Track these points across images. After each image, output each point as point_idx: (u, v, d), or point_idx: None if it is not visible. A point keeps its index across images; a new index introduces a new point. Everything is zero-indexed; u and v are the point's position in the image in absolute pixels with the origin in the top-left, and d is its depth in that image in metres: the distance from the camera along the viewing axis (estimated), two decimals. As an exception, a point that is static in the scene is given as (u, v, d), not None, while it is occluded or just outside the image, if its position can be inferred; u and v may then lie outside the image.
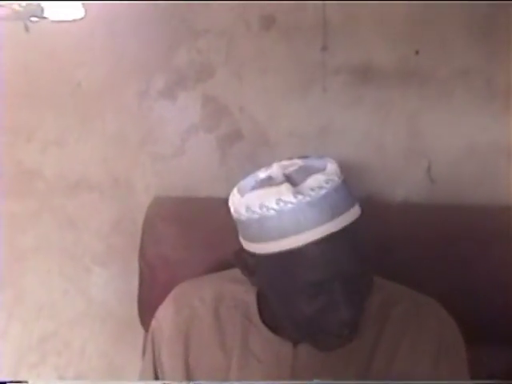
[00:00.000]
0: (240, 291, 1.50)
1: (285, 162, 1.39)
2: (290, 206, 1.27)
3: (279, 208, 1.28)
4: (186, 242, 1.79)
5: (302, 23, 1.85)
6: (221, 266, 1.66)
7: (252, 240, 1.34)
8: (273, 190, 1.30)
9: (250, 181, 1.39)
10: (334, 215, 1.28)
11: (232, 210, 1.39)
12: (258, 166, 1.87)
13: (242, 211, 1.34)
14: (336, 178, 1.31)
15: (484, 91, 1.83)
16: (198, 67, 1.91)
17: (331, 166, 1.34)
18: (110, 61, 1.93)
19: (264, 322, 1.47)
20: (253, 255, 1.35)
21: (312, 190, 1.28)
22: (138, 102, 1.95)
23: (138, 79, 1.94)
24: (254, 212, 1.31)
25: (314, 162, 1.36)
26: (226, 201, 1.85)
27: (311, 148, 1.89)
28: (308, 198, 1.27)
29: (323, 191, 1.28)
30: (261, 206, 1.30)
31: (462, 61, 1.83)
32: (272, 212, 1.28)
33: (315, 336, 1.37)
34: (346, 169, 1.37)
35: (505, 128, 1.84)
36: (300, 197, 1.27)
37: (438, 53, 1.83)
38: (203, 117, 1.93)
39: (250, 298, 1.49)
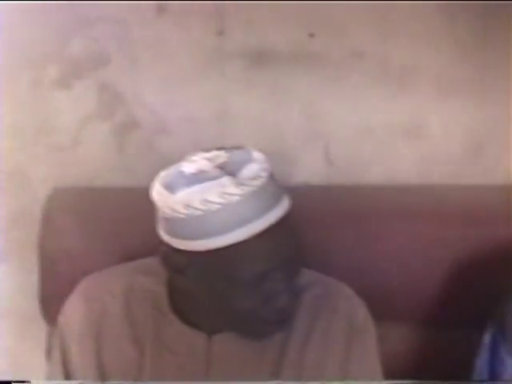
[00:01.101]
0: (150, 282, 1.47)
1: (206, 155, 1.33)
2: (235, 198, 1.23)
3: (224, 201, 1.23)
4: (86, 233, 1.77)
5: (197, 8, 1.84)
6: (123, 256, 1.65)
7: (188, 238, 1.27)
8: (213, 183, 1.24)
9: (175, 176, 1.30)
10: (274, 204, 1.27)
11: (165, 209, 1.29)
12: (157, 154, 1.90)
13: (180, 209, 1.25)
14: (268, 166, 1.30)
15: (379, 73, 1.86)
16: (92, 55, 1.89)
17: (258, 155, 1.32)
18: (2, 51, 1.88)
19: (176, 312, 1.44)
20: (184, 253, 1.30)
21: (253, 179, 1.25)
22: (32, 92, 1.91)
23: (31, 69, 1.90)
24: (195, 209, 1.24)
25: (237, 152, 1.32)
26: (125, 190, 1.86)
27: (209, 134, 1.89)
28: (252, 189, 1.24)
29: (263, 180, 1.27)
30: (203, 202, 1.23)
31: (356, 43, 1.85)
32: (216, 206, 1.23)
33: (250, 325, 1.35)
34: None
35: (400, 108, 1.87)
36: (245, 188, 1.24)
37: (332, 35, 1.84)
38: (99, 105, 1.91)
39: (160, 289, 1.46)
